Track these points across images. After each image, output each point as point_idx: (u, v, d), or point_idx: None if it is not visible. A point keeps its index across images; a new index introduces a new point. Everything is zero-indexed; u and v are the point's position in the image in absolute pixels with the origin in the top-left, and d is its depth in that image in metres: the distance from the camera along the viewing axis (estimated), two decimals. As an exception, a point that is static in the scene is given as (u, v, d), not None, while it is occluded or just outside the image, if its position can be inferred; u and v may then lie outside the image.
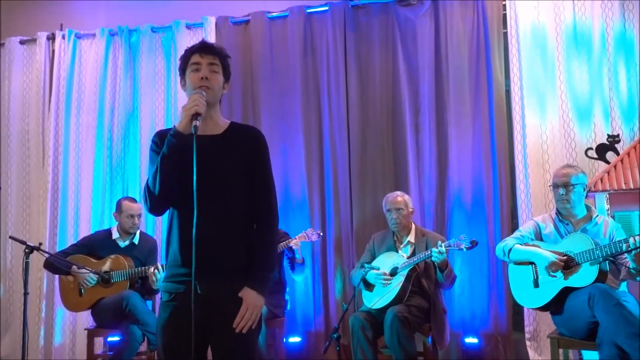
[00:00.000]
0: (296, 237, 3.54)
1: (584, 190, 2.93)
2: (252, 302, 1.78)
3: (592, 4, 3.65)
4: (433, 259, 3.11)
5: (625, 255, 2.63)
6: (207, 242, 1.79)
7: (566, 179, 2.90)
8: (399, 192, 3.49)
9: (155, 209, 1.86)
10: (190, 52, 1.89)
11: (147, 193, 1.83)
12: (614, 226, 2.87)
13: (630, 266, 2.64)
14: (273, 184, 1.92)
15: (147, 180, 1.84)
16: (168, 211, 1.90)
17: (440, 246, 3.09)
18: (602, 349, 2.54)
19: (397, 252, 3.37)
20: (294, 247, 3.48)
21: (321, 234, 3.65)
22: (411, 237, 3.39)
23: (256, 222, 1.88)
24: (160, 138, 1.88)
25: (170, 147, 1.77)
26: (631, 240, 2.58)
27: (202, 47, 1.88)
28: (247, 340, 1.78)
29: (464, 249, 3.09)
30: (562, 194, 2.89)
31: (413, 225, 3.45)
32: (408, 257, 3.28)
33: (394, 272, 3.24)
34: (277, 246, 1.95)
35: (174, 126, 1.79)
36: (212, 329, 1.79)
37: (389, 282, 3.21)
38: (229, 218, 1.82)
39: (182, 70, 1.91)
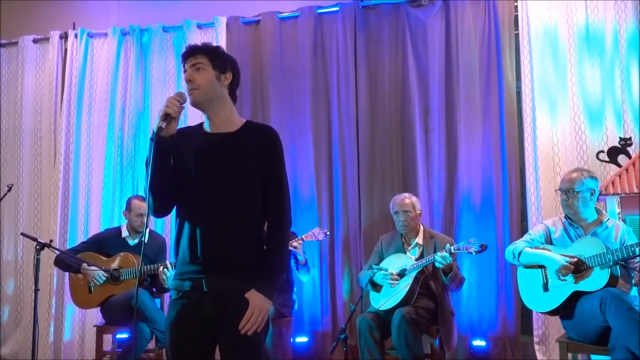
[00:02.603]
0: (302, 236, 3.53)
1: (592, 195, 2.88)
2: (259, 305, 1.76)
3: (604, 5, 3.62)
4: (436, 264, 3.09)
5: (638, 259, 2.60)
6: (214, 240, 1.79)
7: (569, 184, 2.88)
8: (406, 194, 3.48)
9: (155, 212, 1.87)
10: (181, 61, 1.90)
11: (147, 197, 1.84)
12: (625, 230, 2.84)
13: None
14: (286, 185, 1.88)
15: (145, 186, 1.85)
16: (176, 209, 1.90)
17: (445, 251, 3.07)
18: (615, 353, 2.52)
19: (405, 253, 3.36)
20: (295, 251, 3.44)
21: (328, 233, 3.64)
22: (419, 239, 3.38)
23: (267, 223, 1.86)
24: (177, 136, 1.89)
25: (149, 151, 1.77)
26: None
27: (184, 54, 1.87)
28: (254, 341, 1.77)
29: (473, 253, 3.07)
30: (565, 200, 2.89)
31: (421, 227, 3.43)
32: (416, 259, 3.27)
33: (402, 274, 3.23)
34: (288, 248, 1.92)
35: (152, 130, 1.78)
36: (221, 328, 1.79)
37: (396, 282, 3.20)
38: (237, 217, 1.80)
39: None
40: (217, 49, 1.90)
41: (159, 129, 1.73)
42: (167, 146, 1.79)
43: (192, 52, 1.85)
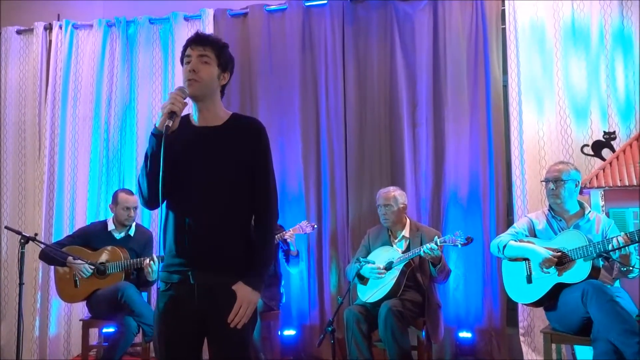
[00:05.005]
0: (290, 229, 3.55)
1: (576, 186, 2.94)
2: (247, 298, 1.76)
3: (590, 1, 3.65)
4: (421, 254, 3.11)
5: (617, 251, 2.64)
6: (201, 233, 1.79)
7: (557, 174, 2.93)
8: (391, 188, 3.48)
9: (148, 205, 1.87)
10: (185, 44, 1.88)
11: (139, 190, 1.84)
12: (608, 223, 2.89)
13: (620, 267, 2.67)
14: (273, 178, 1.89)
15: (138, 177, 1.84)
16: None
17: (433, 243, 3.09)
18: (597, 345, 2.57)
19: (391, 246, 3.37)
20: (288, 240, 3.49)
21: (315, 226, 3.66)
22: (405, 232, 3.39)
23: (254, 216, 1.86)
24: None
25: (152, 146, 1.75)
26: (614, 240, 2.60)
27: (194, 39, 1.85)
28: (242, 334, 1.78)
29: (459, 245, 3.10)
30: (552, 189, 2.92)
31: (407, 220, 3.44)
32: (403, 252, 3.29)
33: (389, 267, 3.25)
34: (274, 241, 1.93)
35: (155, 125, 1.77)
36: (209, 321, 1.79)
37: (382, 275, 3.22)
38: (224, 210, 1.81)
39: (182, 63, 1.90)
40: (225, 46, 1.89)
41: (167, 127, 1.71)
42: (169, 142, 1.78)
43: (202, 42, 1.84)
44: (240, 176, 1.83)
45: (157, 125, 1.75)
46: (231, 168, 1.82)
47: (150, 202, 1.85)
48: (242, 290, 1.77)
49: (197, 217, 1.79)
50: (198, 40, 1.84)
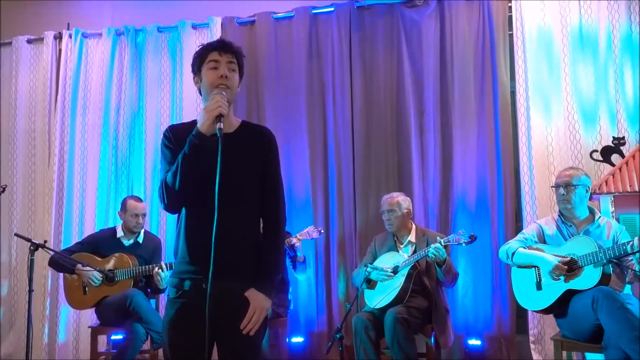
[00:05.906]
0: (297, 234, 3.54)
1: (587, 192, 2.93)
2: (259, 304, 1.77)
3: (598, 5, 3.64)
4: (429, 254, 3.09)
5: (631, 257, 2.62)
6: (213, 240, 1.77)
7: (568, 179, 2.92)
8: (395, 193, 3.48)
9: (172, 207, 1.84)
10: (208, 49, 1.87)
11: (165, 191, 1.80)
12: (618, 228, 2.86)
13: (637, 269, 2.63)
14: (281, 185, 1.92)
15: (165, 179, 1.80)
16: None
17: (437, 243, 3.08)
18: (608, 352, 2.54)
19: (398, 252, 3.36)
20: (295, 246, 3.48)
21: (322, 231, 3.64)
22: (411, 237, 3.38)
23: (264, 223, 1.87)
24: (172, 133, 1.87)
25: (192, 148, 1.75)
26: (636, 241, 2.57)
27: (222, 45, 1.87)
28: (253, 340, 1.78)
29: (463, 244, 3.10)
30: (563, 194, 2.91)
31: (413, 226, 3.44)
32: (409, 257, 3.27)
33: (395, 270, 3.23)
34: (283, 248, 1.93)
35: (196, 127, 1.76)
36: (220, 328, 1.78)
37: (390, 277, 3.20)
38: (237, 217, 1.81)
39: (198, 67, 1.89)
40: (244, 57, 1.94)
41: (220, 130, 1.71)
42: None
43: (230, 49, 1.87)
44: (251, 184, 1.85)
45: (199, 127, 1.75)
46: (242, 175, 1.83)
47: (179, 203, 1.82)
48: (254, 297, 1.77)
49: (210, 224, 1.76)
50: (227, 47, 1.87)
